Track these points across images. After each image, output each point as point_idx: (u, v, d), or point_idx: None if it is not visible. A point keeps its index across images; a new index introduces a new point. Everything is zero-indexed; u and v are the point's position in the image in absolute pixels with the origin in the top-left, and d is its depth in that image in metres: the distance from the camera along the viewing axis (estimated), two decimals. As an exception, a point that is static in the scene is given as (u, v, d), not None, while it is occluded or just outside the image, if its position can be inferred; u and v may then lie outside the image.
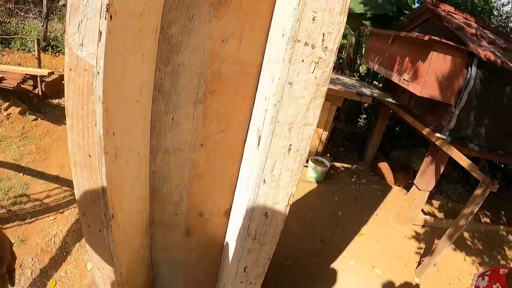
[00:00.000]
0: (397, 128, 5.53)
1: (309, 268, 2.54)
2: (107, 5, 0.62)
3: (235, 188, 1.38)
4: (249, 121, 1.20)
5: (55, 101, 4.39)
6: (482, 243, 3.71)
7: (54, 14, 6.41)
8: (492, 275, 1.28)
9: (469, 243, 3.65)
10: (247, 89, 1.13)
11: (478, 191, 2.44)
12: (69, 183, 2.96)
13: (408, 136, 5.20)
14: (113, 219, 0.97)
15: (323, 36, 0.73)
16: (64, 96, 3.85)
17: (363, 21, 4.71)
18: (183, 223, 1.52)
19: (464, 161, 2.68)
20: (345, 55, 4.76)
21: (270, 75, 0.87)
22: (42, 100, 4.19)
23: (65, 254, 2.27)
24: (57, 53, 5.52)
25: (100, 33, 0.64)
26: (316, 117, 0.79)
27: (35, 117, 3.80)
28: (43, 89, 4.15)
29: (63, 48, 5.62)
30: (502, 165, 6.15)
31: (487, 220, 4.23)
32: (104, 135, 0.76)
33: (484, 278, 1.31)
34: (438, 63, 2.70)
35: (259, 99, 1.04)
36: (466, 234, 3.74)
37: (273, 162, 0.81)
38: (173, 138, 1.24)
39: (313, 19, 0.72)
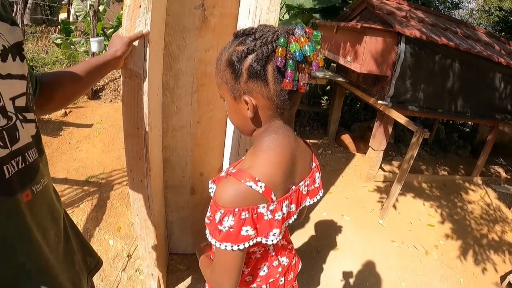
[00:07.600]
0: (357, 105, 6.22)
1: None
2: (148, 40, 1.17)
3: (223, 150, 1.95)
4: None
5: (45, 117, 4.78)
6: (439, 191, 4.23)
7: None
8: None
9: (427, 191, 4.17)
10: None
11: (413, 139, 3.05)
12: (77, 183, 3.36)
13: (366, 109, 5.90)
14: (151, 171, 1.52)
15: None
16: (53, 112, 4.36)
17: (313, 15, 5.34)
18: (188, 183, 2.08)
19: (401, 119, 3.33)
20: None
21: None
22: (34, 118, 4.58)
23: (88, 237, 2.70)
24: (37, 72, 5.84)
25: (145, 55, 1.20)
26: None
27: (31, 133, 4.20)
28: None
29: (41, 67, 6.00)
30: (459, 125, 6.82)
31: (445, 173, 4.78)
32: (147, 114, 1.32)
33: None
34: (371, 44, 3.33)
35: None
36: (424, 185, 4.30)
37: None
38: (178, 119, 1.79)
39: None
